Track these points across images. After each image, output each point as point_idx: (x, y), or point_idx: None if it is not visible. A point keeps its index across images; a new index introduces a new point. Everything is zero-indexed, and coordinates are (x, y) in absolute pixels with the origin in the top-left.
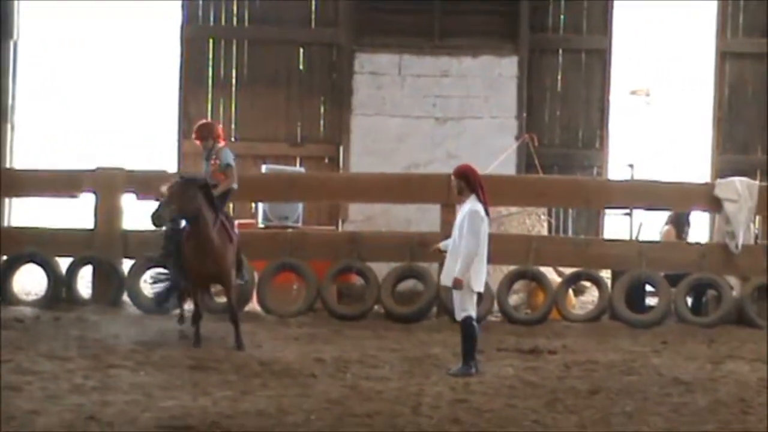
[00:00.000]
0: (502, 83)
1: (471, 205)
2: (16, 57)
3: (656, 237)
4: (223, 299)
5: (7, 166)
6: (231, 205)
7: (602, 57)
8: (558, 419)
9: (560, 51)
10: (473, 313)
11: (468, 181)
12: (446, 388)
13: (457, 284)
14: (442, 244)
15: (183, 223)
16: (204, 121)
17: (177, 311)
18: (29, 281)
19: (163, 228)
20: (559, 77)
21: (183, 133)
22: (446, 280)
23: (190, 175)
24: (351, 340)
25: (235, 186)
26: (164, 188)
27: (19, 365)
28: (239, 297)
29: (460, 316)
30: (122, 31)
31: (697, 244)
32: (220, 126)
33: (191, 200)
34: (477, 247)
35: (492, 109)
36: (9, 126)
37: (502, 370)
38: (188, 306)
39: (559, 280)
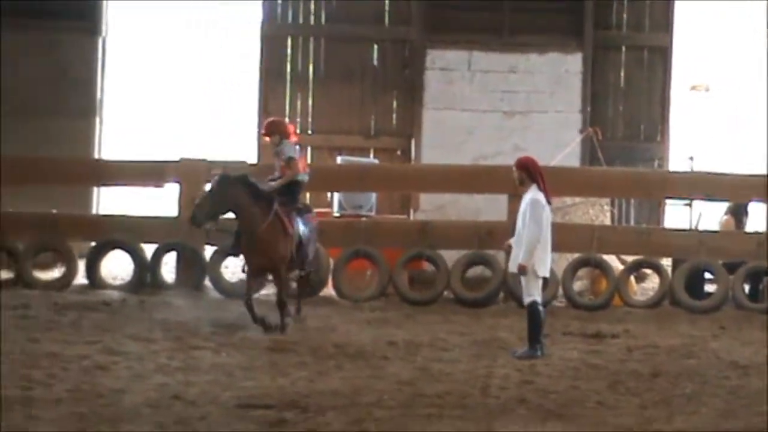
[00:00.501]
0: (567, 79)
1: (532, 195)
2: (104, 53)
3: (715, 226)
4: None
5: (97, 157)
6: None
7: (663, 54)
8: (620, 401)
9: (623, 48)
10: (538, 298)
11: (529, 172)
12: (513, 370)
13: (522, 270)
14: (512, 240)
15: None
16: (271, 118)
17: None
18: (116, 266)
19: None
20: (622, 73)
21: (262, 127)
22: (513, 266)
23: (226, 173)
24: (422, 324)
25: (300, 178)
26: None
27: (106, 346)
28: (310, 283)
29: (526, 300)
30: (205, 28)
31: (755, 233)
32: (288, 123)
33: (227, 198)
34: (539, 234)
35: (557, 104)
36: (98, 119)
37: (566, 353)
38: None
39: (621, 267)
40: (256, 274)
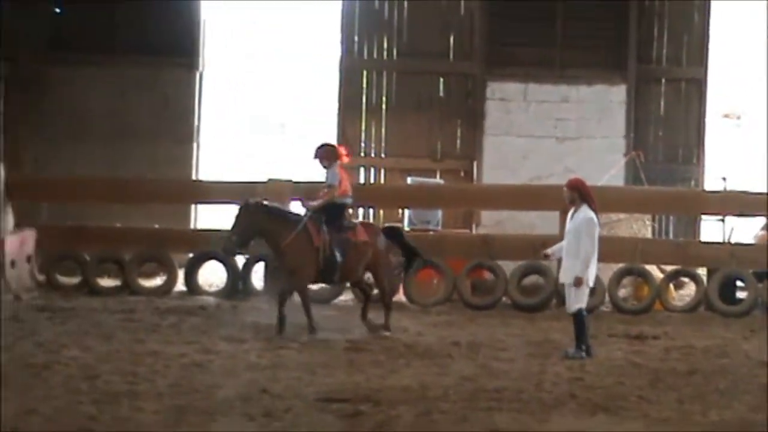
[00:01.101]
0: (612, 108)
1: (585, 213)
2: (201, 86)
3: (750, 240)
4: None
5: (194, 178)
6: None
7: (699, 85)
8: (660, 396)
9: (663, 80)
10: (584, 306)
11: (580, 192)
12: (564, 368)
13: (579, 282)
14: (549, 250)
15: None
16: (321, 144)
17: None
18: (212, 275)
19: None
20: (662, 103)
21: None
22: (564, 277)
23: (247, 202)
24: (482, 326)
25: (341, 201)
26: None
27: (203, 346)
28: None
29: (573, 308)
30: (290, 62)
31: None
32: (337, 147)
33: (250, 224)
34: (593, 250)
35: (603, 130)
36: (195, 145)
37: (612, 352)
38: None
39: (661, 276)
40: (290, 282)
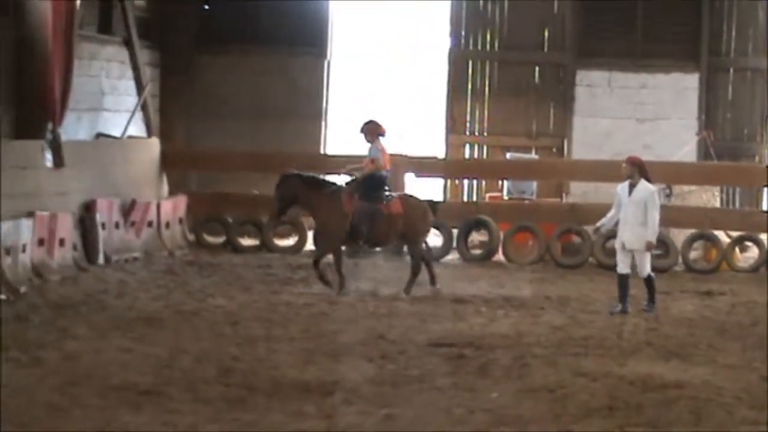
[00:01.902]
0: (686, 93)
1: (646, 187)
2: (329, 71)
3: None
4: (476, 250)
5: (322, 152)
6: (479, 183)
7: (763, 74)
8: (726, 344)
9: (731, 70)
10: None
11: (640, 168)
12: (641, 320)
13: (650, 246)
14: (599, 223)
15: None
16: (367, 120)
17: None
18: None
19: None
20: (730, 89)
21: (448, 129)
22: (634, 244)
23: (284, 173)
24: (570, 283)
25: (381, 172)
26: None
27: (328, 297)
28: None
29: (645, 273)
30: (404, 50)
31: None
32: (380, 125)
33: (289, 193)
34: (659, 219)
35: (678, 113)
36: (323, 123)
37: (683, 306)
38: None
39: (728, 240)
40: (322, 243)
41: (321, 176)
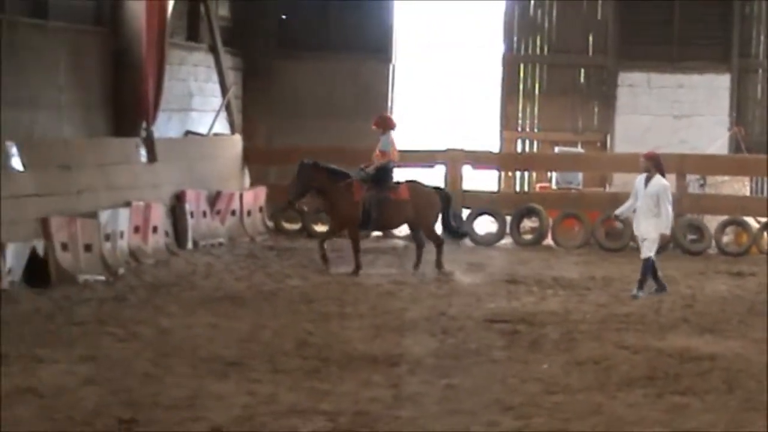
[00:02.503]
0: (719, 92)
1: (660, 181)
2: (394, 74)
3: None
4: (528, 235)
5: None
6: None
7: None
8: (755, 320)
9: (759, 71)
10: (653, 254)
11: (656, 163)
12: (678, 297)
13: (665, 239)
14: (617, 211)
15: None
16: (380, 114)
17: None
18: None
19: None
20: (759, 88)
21: (502, 126)
22: (645, 233)
23: (304, 161)
24: (613, 265)
25: (390, 164)
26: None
27: (393, 278)
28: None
29: (646, 255)
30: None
31: None
32: (391, 118)
33: (310, 178)
34: (672, 212)
35: (712, 110)
36: None
37: (717, 286)
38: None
39: (757, 226)
40: (331, 233)
41: (335, 166)
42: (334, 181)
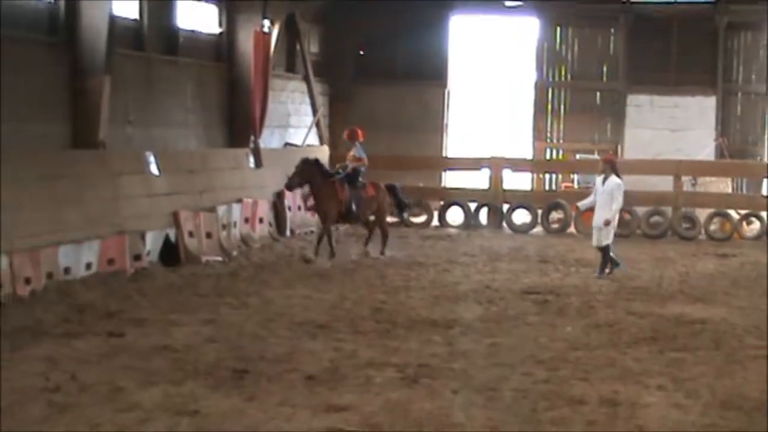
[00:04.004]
0: (707, 111)
1: (615, 180)
2: (449, 98)
3: None
4: (555, 225)
5: (443, 155)
6: (557, 176)
7: (763, 96)
8: (738, 293)
9: (739, 93)
10: (610, 242)
11: (612, 166)
12: (675, 274)
13: (607, 222)
14: (580, 204)
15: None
16: (351, 127)
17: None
18: (455, 215)
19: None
20: (738, 107)
21: (534, 138)
22: (598, 223)
23: (306, 158)
24: (623, 248)
25: (362, 168)
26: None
27: (449, 259)
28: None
29: (603, 243)
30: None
31: None
32: (353, 131)
33: (306, 172)
34: (621, 205)
35: (701, 125)
36: (445, 134)
37: (706, 265)
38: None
39: (738, 216)
40: (321, 220)
41: (329, 167)
42: (327, 180)
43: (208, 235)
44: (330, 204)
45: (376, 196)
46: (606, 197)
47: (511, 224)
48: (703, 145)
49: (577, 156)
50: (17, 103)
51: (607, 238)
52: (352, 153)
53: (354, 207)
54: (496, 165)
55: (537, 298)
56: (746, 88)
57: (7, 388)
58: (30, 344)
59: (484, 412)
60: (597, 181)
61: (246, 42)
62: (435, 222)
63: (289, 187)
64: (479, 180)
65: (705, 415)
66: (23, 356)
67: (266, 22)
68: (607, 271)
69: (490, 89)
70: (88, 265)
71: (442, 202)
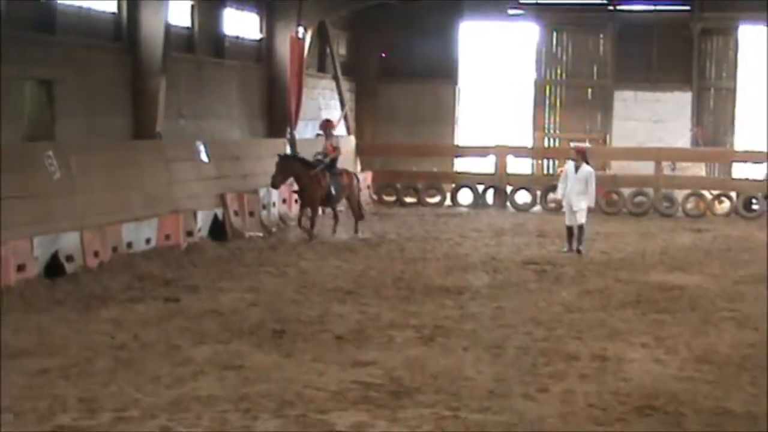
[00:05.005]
0: (684, 105)
1: (587, 168)
2: (459, 94)
3: (760, 176)
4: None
5: (455, 143)
6: (554, 161)
7: (732, 92)
8: (711, 262)
9: (712, 89)
10: (585, 221)
11: (584, 156)
12: (657, 246)
13: (591, 209)
14: (558, 195)
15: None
16: (325, 119)
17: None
18: (464, 197)
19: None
20: (711, 102)
21: (534, 128)
22: (578, 206)
23: (286, 153)
24: (611, 225)
25: (337, 157)
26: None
27: (460, 233)
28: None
29: (580, 221)
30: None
31: None
32: (333, 122)
33: (289, 169)
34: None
35: (679, 117)
36: (456, 125)
37: (684, 239)
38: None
39: (711, 196)
40: (303, 207)
41: (306, 158)
42: (308, 171)
43: (251, 214)
44: (315, 192)
45: (350, 182)
46: (580, 184)
47: (514, 204)
48: (680, 135)
49: (572, 144)
50: (87, 100)
51: (583, 218)
52: (330, 143)
53: (333, 192)
54: (500, 152)
55: (536, 268)
56: (718, 84)
57: (80, 345)
58: (99, 308)
59: (490, 366)
60: (568, 170)
61: (283, 46)
62: (448, 202)
63: (274, 185)
64: (486, 165)
65: (682, 368)
66: (93, 318)
67: (300, 29)
68: (581, 247)
69: (495, 86)
70: (148, 240)
71: (453, 185)
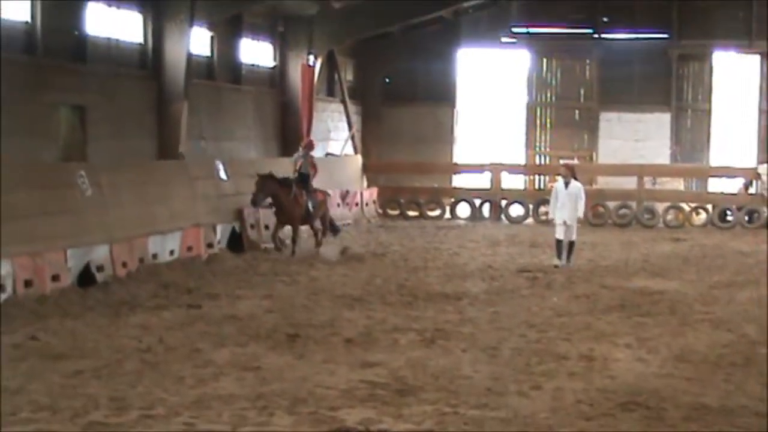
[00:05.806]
0: (664, 125)
1: (576, 184)
2: (457, 116)
3: (735, 190)
4: (543, 216)
5: (454, 161)
6: (544, 177)
7: (708, 113)
8: (689, 269)
9: (689, 110)
10: (575, 237)
11: (573, 172)
12: (639, 255)
13: (580, 221)
14: (550, 212)
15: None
16: (307, 138)
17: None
18: (462, 210)
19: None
20: (689, 122)
21: (527, 147)
22: (570, 221)
23: (263, 174)
24: (597, 235)
25: (312, 173)
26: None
27: (459, 244)
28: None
29: (573, 238)
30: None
31: (752, 193)
32: (309, 142)
33: (267, 188)
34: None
35: (659, 137)
36: (454, 146)
37: (663, 247)
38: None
39: (689, 208)
40: (281, 225)
41: (285, 177)
42: (286, 190)
43: (266, 227)
44: (295, 210)
45: (323, 199)
46: (571, 199)
47: (508, 216)
48: (660, 152)
49: (561, 161)
50: (116, 124)
51: (574, 234)
52: (311, 161)
53: (312, 209)
54: (495, 169)
55: (529, 276)
56: (694, 106)
57: (110, 348)
58: (127, 314)
59: (487, 366)
60: (558, 187)
61: (295, 72)
62: (447, 215)
63: (254, 203)
64: (482, 181)
65: (663, 367)
66: (122, 324)
67: (311, 57)
68: (569, 261)
69: (490, 108)
70: (172, 252)
71: (452, 199)
